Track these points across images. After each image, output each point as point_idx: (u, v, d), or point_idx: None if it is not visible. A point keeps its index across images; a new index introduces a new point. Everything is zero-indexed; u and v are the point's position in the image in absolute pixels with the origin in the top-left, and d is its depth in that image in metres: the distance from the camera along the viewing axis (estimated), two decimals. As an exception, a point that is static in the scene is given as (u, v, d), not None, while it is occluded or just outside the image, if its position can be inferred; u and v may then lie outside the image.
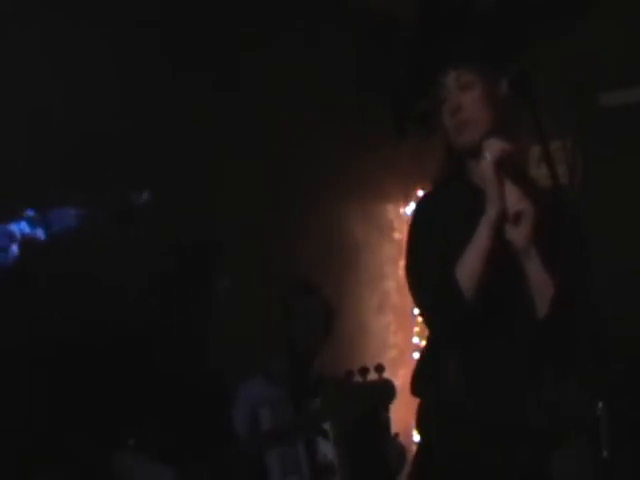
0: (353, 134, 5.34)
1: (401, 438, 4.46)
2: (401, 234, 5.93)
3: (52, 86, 3.96)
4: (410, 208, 5.87)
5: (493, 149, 2.72)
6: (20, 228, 2.79)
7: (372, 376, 3.77)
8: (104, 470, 3.59)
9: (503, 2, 4.87)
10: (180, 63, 4.41)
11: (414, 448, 5.31)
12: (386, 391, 3.70)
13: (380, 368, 3.68)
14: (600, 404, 2.63)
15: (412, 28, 5.28)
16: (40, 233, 2.81)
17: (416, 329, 5.90)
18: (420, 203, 2.99)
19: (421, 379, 2.89)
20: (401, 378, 5.36)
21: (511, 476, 2.75)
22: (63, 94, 3.99)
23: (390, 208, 5.91)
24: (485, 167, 2.72)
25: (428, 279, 2.77)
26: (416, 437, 5.49)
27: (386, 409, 4.06)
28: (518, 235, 2.72)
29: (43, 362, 3.84)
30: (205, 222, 4.35)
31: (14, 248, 2.79)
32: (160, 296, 3.94)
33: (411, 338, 5.89)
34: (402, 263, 5.78)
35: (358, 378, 3.76)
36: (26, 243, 2.78)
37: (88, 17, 4.07)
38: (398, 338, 5.84)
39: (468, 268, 2.70)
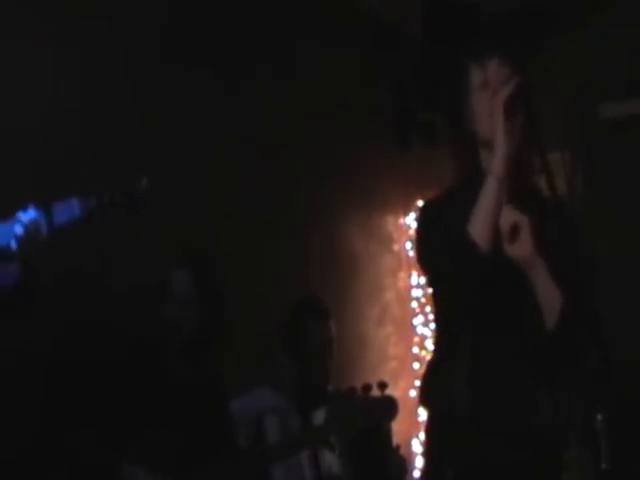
0: (354, 144, 5.33)
1: (402, 449, 4.44)
2: (400, 245, 5.92)
3: (53, 78, 3.96)
4: (410, 219, 5.85)
5: (507, 87, 2.69)
6: (22, 221, 2.79)
7: (374, 392, 3.73)
8: (108, 474, 3.56)
9: (515, 9, 4.89)
10: (183, 62, 4.40)
11: (414, 459, 5.37)
12: (390, 408, 3.68)
13: (383, 385, 3.66)
14: (599, 416, 2.62)
15: (418, 30, 5.29)
16: (43, 226, 2.80)
17: (416, 339, 5.88)
18: (432, 202, 2.97)
19: (428, 389, 2.87)
20: (401, 389, 5.37)
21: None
22: (66, 89, 3.99)
23: (390, 219, 5.89)
24: (497, 102, 2.69)
25: (441, 240, 2.72)
26: (416, 448, 5.50)
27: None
28: (520, 250, 2.69)
29: (45, 363, 3.82)
30: (205, 230, 4.32)
31: (14, 245, 2.79)
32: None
33: (411, 349, 5.85)
34: (402, 274, 5.85)
35: (361, 394, 3.73)
36: (28, 239, 2.78)
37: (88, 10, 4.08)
38: (398, 349, 5.80)
39: (479, 223, 2.66)
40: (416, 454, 5.44)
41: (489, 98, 2.76)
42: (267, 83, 4.76)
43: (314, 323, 4.28)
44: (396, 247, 5.90)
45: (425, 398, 2.88)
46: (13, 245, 2.78)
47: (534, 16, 4.90)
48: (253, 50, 4.70)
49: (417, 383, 5.21)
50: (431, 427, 2.89)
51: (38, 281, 2.94)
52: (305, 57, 5.03)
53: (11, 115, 3.77)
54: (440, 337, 2.93)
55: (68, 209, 2.84)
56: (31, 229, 2.79)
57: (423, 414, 4.94)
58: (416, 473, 5.18)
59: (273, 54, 4.81)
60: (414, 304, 5.91)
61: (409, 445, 5.47)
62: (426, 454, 2.98)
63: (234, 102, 4.60)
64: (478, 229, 2.65)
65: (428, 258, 2.83)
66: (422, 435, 4.83)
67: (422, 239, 2.89)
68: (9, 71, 3.82)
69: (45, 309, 3.56)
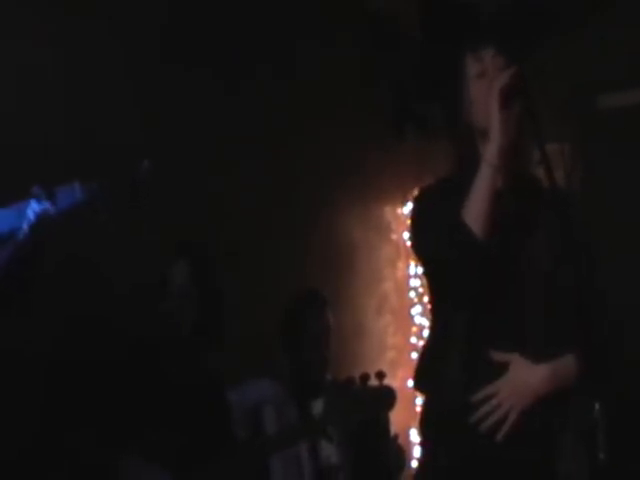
0: (352, 136, 5.33)
1: (400, 439, 4.48)
2: (398, 235, 5.94)
3: (53, 78, 4.00)
4: (408, 209, 5.85)
5: (503, 77, 2.70)
6: (32, 208, 2.83)
7: (372, 382, 3.76)
8: (108, 474, 3.60)
9: (514, 9, 4.89)
10: (183, 62, 4.43)
11: (412, 448, 5.41)
12: (388, 398, 3.72)
13: (381, 375, 3.69)
14: (597, 406, 2.64)
15: (416, 27, 5.30)
16: (49, 208, 2.85)
17: (414, 329, 5.91)
18: (429, 188, 2.97)
19: (423, 374, 2.88)
20: (399, 379, 5.39)
21: (515, 474, 2.73)
22: (66, 89, 4.03)
23: (388, 209, 5.90)
24: (493, 91, 2.69)
25: (436, 224, 2.73)
26: (414, 437, 5.53)
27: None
28: None
29: (45, 363, 3.86)
30: (205, 229, 4.34)
31: (25, 228, 2.83)
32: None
33: (409, 339, 5.89)
34: (400, 264, 5.86)
35: (359, 384, 3.76)
36: (38, 224, 2.83)
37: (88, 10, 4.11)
38: (396, 339, 5.83)
39: (473, 210, 2.66)
40: (414, 444, 5.46)
41: (486, 87, 2.76)
42: (267, 83, 4.77)
43: (312, 312, 4.31)
44: (394, 237, 5.91)
45: (420, 383, 2.89)
46: (25, 228, 2.84)
47: (534, 16, 4.90)
48: (253, 50, 4.70)
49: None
50: (426, 414, 2.89)
51: (36, 270, 2.98)
52: (305, 57, 5.03)
53: (11, 115, 3.79)
54: (435, 323, 2.92)
55: (71, 193, 2.88)
56: (42, 216, 2.84)
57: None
58: (414, 463, 5.22)
59: (273, 54, 4.81)
60: (412, 294, 5.93)
61: (407, 435, 5.51)
62: (422, 442, 2.98)
63: (234, 102, 4.61)
64: (472, 216, 2.65)
65: (423, 242, 2.84)
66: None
67: (417, 224, 2.90)
68: (9, 71, 3.84)
69: (44, 306, 3.61)
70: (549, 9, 5.05)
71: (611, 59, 5.31)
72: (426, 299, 5.80)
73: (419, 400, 5.17)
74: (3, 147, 3.75)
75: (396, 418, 4.33)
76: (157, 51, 4.32)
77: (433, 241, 2.74)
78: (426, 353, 2.92)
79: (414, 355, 5.74)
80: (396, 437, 4.39)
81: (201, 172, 4.40)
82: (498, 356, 2.73)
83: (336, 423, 3.87)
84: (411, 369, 5.47)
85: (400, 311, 5.89)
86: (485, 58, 2.81)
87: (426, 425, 2.88)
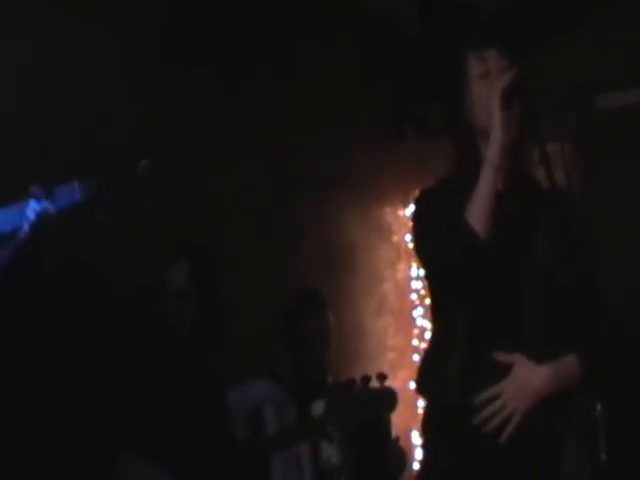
0: (352, 136, 5.33)
1: (401, 441, 4.48)
2: (399, 237, 5.94)
3: (54, 79, 4.02)
4: (409, 210, 5.85)
5: (504, 78, 2.71)
6: (32, 207, 2.84)
7: (373, 384, 3.74)
8: (106, 473, 3.60)
9: (514, 9, 4.90)
10: (183, 62, 4.44)
11: (414, 450, 5.40)
12: (389, 400, 3.71)
13: (382, 377, 3.68)
14: (598, 406, 2.64)
15: (416, 27, 5.31)
16: (49, 207, 2.86)
17: (415, 331, 5.90)
18: (430, 189, 2.98)
19: (425, 376, 2.88)
20: (400, 381, 5.39)
21: (517, 474, 2.72)
22: (66, 89, 4.04)
23: (388, 210, 5.89)
24: (495, 96, 2.69)
25: (438, 225, 2.73)
26: (416, 439, 5.53)
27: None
28: None
29: (45, 363, 3.86)
30: (205, 230, 4.34)
31: (26, 227, 2.84)
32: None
33: (410, 341, 5.88)
34: (400, 266, 5.86)
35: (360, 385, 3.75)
36: (38, 223, 2.83)
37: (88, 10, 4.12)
38: (397, 341, 5.82)
39: (475, 210, 2.67)
40: (415, 446, 5.46)
41: (488, 88, 2.76)
42: (267, 83, 4.77)
43: (312, 312, 4.32)
44: (395, 239, 5.90)
45: (421, 385, 2.89)
46: (26, 228, 2.84)
47: (534, 16, 4.90)
48: (253, 50, 4.70)
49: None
50: (428, 415, 2.89)
51: (37, 270, 2.98)
52: (305, 57, 5.02)
53: (11, 115, 3.80)
54: (436, 324, 2.93)
55: (70, 192, 2.88)
56: (42, 215, 2.84)
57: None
58: (415, 465, 5.22)
59: (273, 54, 4.81)
60: (414, 296, 5.92)
61: (408, 437, 5.50)
62: (423, 443, 2.99)
63: (234, 102, 4.61)
64: (474, 216, 2.66)
65: (425, 243, 2.84)
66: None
67: (419, 225, 2.90)
68: (9, 71, 3.84)
69: (44, 306, 3.61)
70: (549, 9, 5.06)
71: (611, 59, 5.31)
72: (428, 301, 5.79)
73: (421, 402, 5.17)
74: (3, 147, 3.75)
75: (397, 420, 4.32)
76: (157, 51, 4.33)
77: (435, 242, 2.74)
78: (427, 355, 2.93)
79: (415, 357, 5.73)
80: (397, 439, 4.38)
81: (201, 172, 4.41)
82: (501, 357, 2.73)
83: (337, 425, 3.86)
84: (412, 371, 5.49)
85: (400, 312, 5.88)
86: (489, 59, 2.81)
87: (428, 426, 2.89)
